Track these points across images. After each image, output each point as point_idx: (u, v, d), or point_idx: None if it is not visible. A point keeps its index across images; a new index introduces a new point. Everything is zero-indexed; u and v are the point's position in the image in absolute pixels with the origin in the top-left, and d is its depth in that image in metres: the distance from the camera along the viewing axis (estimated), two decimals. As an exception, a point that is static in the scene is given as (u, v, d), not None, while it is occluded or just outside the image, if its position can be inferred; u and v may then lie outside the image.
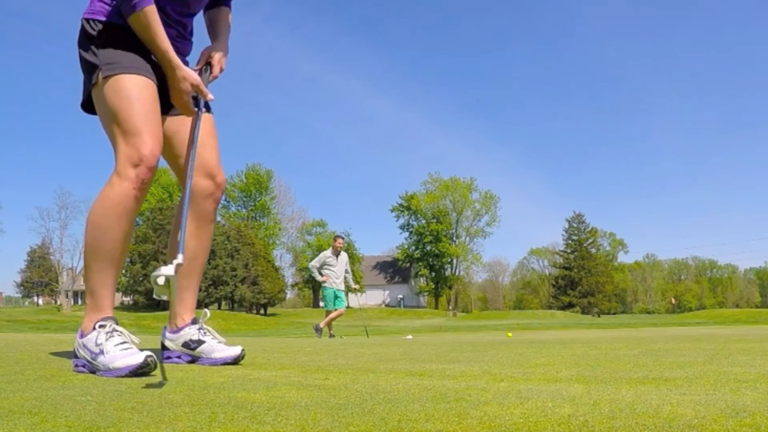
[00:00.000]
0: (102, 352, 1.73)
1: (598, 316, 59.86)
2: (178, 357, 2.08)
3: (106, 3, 1.94)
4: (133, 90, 1.87)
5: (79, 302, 68.93)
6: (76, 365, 1.81)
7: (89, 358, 1.76)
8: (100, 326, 1.79)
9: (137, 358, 1.68)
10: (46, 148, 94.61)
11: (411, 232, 73.86)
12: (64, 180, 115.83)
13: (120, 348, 1.73)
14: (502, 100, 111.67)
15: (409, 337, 9.49)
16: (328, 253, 9.91)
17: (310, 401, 1.24)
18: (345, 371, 1.87)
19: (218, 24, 2.23)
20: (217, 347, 2.06)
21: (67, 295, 61.00)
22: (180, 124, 2.08)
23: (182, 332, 2.07)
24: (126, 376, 1.65)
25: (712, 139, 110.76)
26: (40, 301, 69.57)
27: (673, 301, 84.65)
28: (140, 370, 1.66)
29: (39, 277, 64.70)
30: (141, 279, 50.42)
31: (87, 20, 1.93)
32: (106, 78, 1.87)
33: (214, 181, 2.07)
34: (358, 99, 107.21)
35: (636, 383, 1.49)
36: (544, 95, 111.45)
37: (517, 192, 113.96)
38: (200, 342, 2.06)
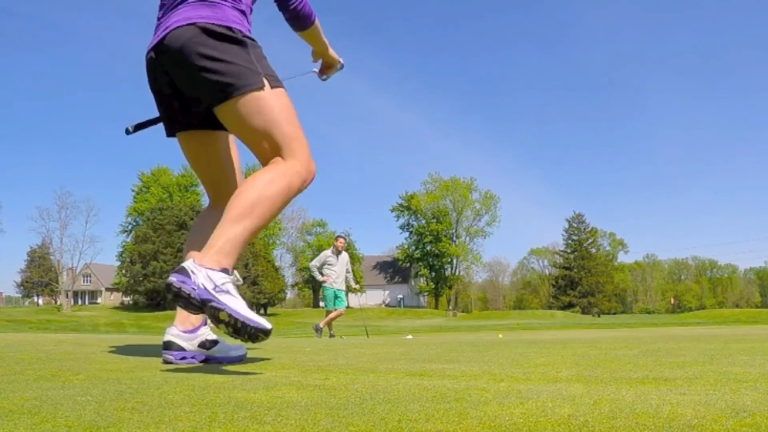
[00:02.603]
0: (228, 292, 1.67)
1: (598, 316, 59.85)
2: (193, 357, 2.09)
3: (239, 17, 2.01)
4: (290, 103, 2.02)
5: (79, 302, 68.93)
6: (187, 285, 1.65)
7: (210, 288, 1.65)
8: (231, 273, 1.73)
9: (267, 324, 1.65)
10: (46, 148, 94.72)
11: (411, 232, 73.88)
12: (64, 180, 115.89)
13: (245, 306, 1.68)
14: (502, 101, 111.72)
15: (409, 337, 9.48)
16: (328, 252, 9.90)
17: (310, 401, 1.24)
18: (345, 371, 1.87)
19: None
20: (228, 347, 2.13)
21: (67, 295, 60.97)
22: (220, 141, 2.21)
23: (199, 332, 2.09)
24: (250, 330, 1.63)
25: (712, 139, 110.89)
26: (40, 301, 69.56)
27: (673, 301, 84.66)
28: (263, 334, 1.64)
29: (39, 277, 64.69)
30: (141, 279, 50.43)
31: (229, 27, 1.94)
32: (273, 87, 1.95)
33: None
34: (359, 99, 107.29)
35: (636, 383, 1.49)
36: (544, 95, 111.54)
37: (517, 192, 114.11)
38: (215, 342, 2.10)
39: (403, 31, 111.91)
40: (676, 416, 1.02)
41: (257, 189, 1.83)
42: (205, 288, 1.66)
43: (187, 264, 1.70)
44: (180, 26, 1.93)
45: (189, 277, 1.67)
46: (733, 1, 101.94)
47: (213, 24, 1.92)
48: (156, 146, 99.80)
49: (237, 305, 1.65)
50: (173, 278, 1.67)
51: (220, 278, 1.68)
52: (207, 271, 1.68)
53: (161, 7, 2.08)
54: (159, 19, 2.08)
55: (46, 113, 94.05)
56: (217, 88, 1.91)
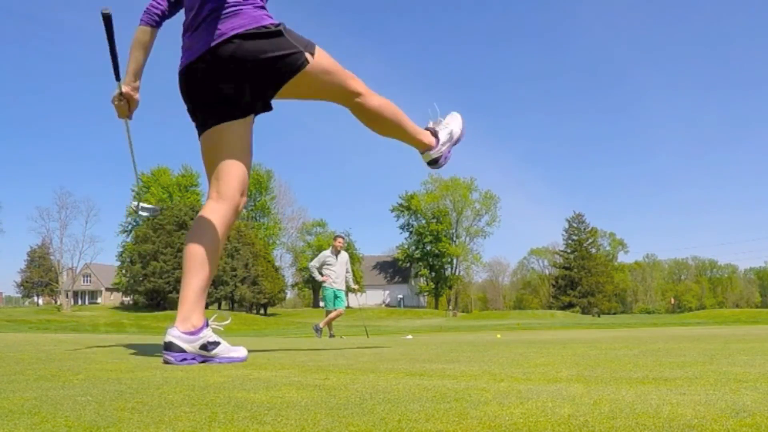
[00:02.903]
0: (449, 128, 2.69)
1: (598, 316, 59.86)
2: (193, 359, 2.08)
3: (263, 12, 2.22)
4: (328, 55, 2.31)
5: (79, 302, 68.93)
6: (444, 147, 2.68)
7: (447, 133, 2.66)
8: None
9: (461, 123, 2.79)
10: (46, 148, 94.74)
11: (411, 232, 73.89)
12: (64, 180, 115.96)
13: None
14: (502, 100, 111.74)
15: (409, 337, 9.48)
16: (327, 252, 9.89)
17: (310, 401, 1.24)
18: (345, 371, 1.87)
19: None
20: (229, 348, 2.13)
21: (67, 295, 60.96)
22: (230, 131, 2.29)
23: (201, 334, 2.08)
24: (461, 134, 2.75)
25: (711, 138, 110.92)
26: (40, 301, 69.57)
27: (673, 301, 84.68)
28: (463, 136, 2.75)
29: (39, 277, 64.68)
30: (141, 279, 50.44)
31: (262, 26, 2.17)
32: (312, 54, 2.24)
33: (244, 199, 2.35)
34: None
35: (636, 383, 1.49)
36: (544, 95, 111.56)
37: (517, 192, 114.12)
38: (216, 343, 2.10)
39: (403, 30, 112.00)
40: (676, 416, 1.02)
41: (389, 109, 2.44)
42: (450, 136, 2.67)
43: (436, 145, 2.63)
44: (218, 43, 2.14)
45: (439, 141, 2.66)
46: None
47: (248, 30, 2.14)
48: (156, 146, 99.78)
49: (455, 125, 2.71)
50: (445, 153, 2.66)
51: (447, 125, 2.70)
52: (441, 134, 2.66)
53: (187, 25, 2.25)
54: (185, 35, 2.25)
55: (47, 112, 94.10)
56: (277, 77, 2.21)
